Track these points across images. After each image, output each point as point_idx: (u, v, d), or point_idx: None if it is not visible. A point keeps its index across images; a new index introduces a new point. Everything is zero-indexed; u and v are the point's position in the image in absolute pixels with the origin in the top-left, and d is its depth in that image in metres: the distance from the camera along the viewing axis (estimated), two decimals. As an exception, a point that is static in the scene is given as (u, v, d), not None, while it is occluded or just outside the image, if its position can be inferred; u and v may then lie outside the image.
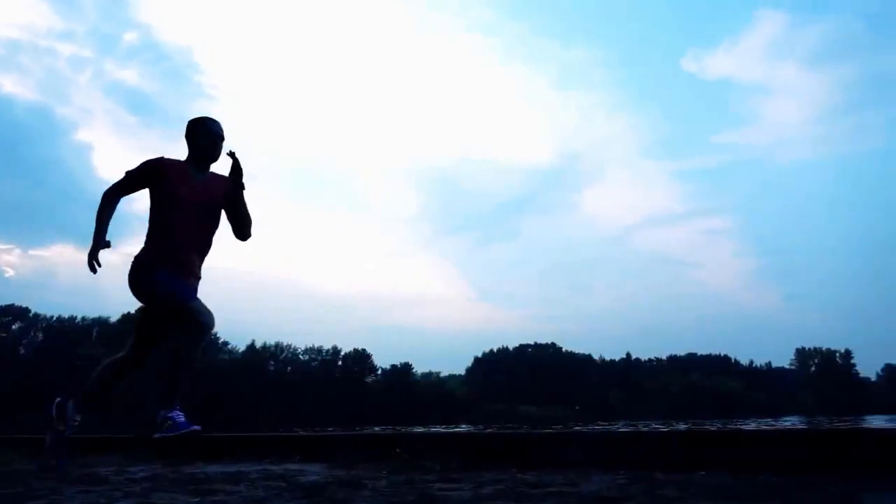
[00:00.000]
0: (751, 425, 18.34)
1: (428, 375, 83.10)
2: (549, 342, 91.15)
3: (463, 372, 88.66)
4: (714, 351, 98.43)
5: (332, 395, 67.92)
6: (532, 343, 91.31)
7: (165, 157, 3.06)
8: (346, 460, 3.10)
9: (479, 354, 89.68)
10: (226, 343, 68.59)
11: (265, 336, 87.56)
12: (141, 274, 2.89)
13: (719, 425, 22.38)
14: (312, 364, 76.72)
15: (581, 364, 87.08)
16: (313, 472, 2.85)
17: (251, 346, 71.81)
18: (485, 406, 72.63)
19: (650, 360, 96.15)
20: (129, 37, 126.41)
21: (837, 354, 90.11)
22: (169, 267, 2.90)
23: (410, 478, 2.53)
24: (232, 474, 2.80)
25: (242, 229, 3.17)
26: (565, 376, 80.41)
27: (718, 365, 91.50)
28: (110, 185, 3.01)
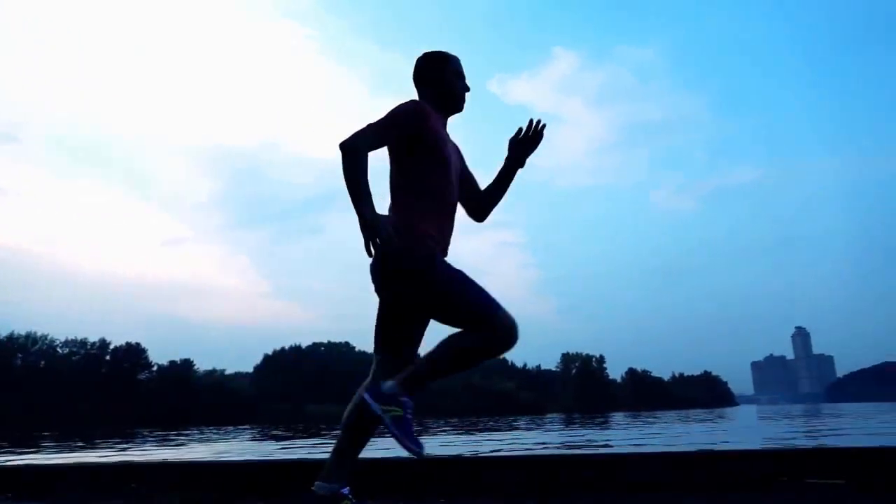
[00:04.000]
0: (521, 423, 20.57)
1: (211, 373, 78.14)
2: (343, 341, 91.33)
3: (251, 370, 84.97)
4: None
5: (97, 394, 60.78)
6: (325, 342, 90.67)
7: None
8: (67, 499, 2.90)
9: (270, 352, 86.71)
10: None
11: (13, 324, 75.45)
12: (421, 256, 2.05)
13: (491, 423, 24.59)
14: (73, 358, 67.80)
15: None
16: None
17: (-7, 336, 61.46)
18: (271, 406, 70.39)
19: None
20: None
21: (594, 359, 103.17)
22: (441, 249, 2.16)
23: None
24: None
25: (488, 210, 2.46)
26: (356, 375, 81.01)
27: (497, 366, 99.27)
28: (351, 137, 2.04)
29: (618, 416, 35.27)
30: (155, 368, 72.67)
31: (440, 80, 2.28)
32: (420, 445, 1.94)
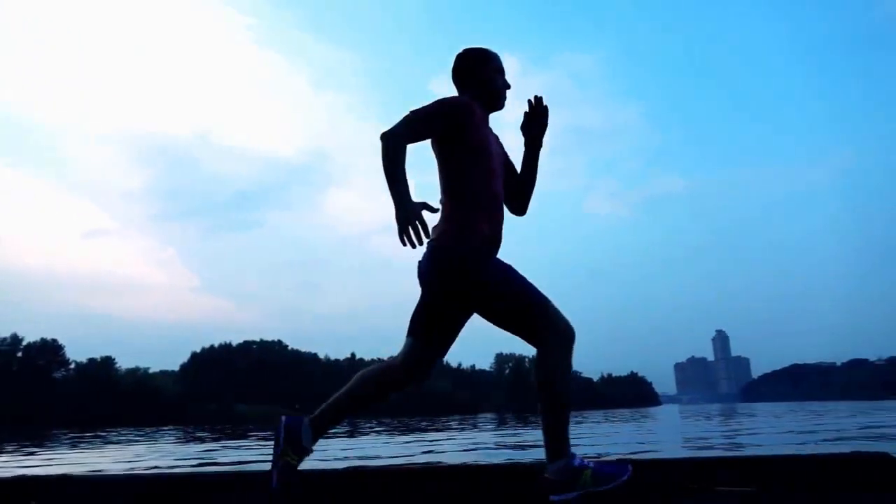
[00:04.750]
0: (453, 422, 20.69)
1: (134, 371, 74.77)
2: (276, 339, 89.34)
3: (177, 368, 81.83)
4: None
5: (8, 393, 57.09)
6: (258, 340, 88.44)
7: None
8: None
9: (198, 350, 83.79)
10: None
11: None
12: (472, 255, 2.02)
13: (424, 423, 24.59)
14: (-20, 355, 63.45)
15: (306, 362, 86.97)
16: None
17: None
18: (198, 405, 68.03)
19: (373, 360, 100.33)
20: None
21: (527, 360, 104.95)
22: (494, 245, 2.11)
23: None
24: None
25: (526, 202, 2.40)
26: (288, 375, 79.48)
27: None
28: (392, 127, 1.99)
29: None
30: (73, 366, 68.96)
31: (482, 77, 2.24)
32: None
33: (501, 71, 2.28)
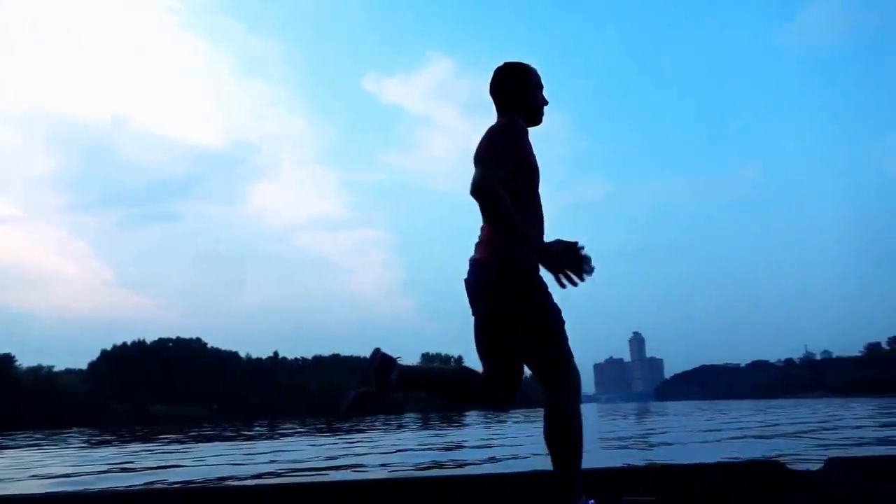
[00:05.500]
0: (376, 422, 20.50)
1: (37, 369, 69.99)
2: (195, 337, 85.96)
3: (84, 367, 77.28)
4: (356, 353, 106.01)
5: None
6: (174, 337, 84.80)
7: None
8: None
9: (109, 347, 79.45)
10: None
11: None
12: (523, 276, 1.97)
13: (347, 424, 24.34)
14: None
15: (225, 361, 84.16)
16: None
17: None
18: (110, 406, 64.51)
19: (296, 359, 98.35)
20: None
21: (453, 359, 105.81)
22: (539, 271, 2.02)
23: None
24: None
25: None
26: (207, 374, 76.69)
27: (359, 365, 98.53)
28: (477, 179, 1.89)
29: (472, 417, 36.43)
30: (-35, 364, 63.74)
31: (524, 94, 2.19)
32: None
33: (541, 86, 2.24)
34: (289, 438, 13.02)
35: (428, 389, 2.16)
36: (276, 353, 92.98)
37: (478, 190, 1.89)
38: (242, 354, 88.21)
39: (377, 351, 2.10)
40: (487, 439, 10.24)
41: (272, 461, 7.20)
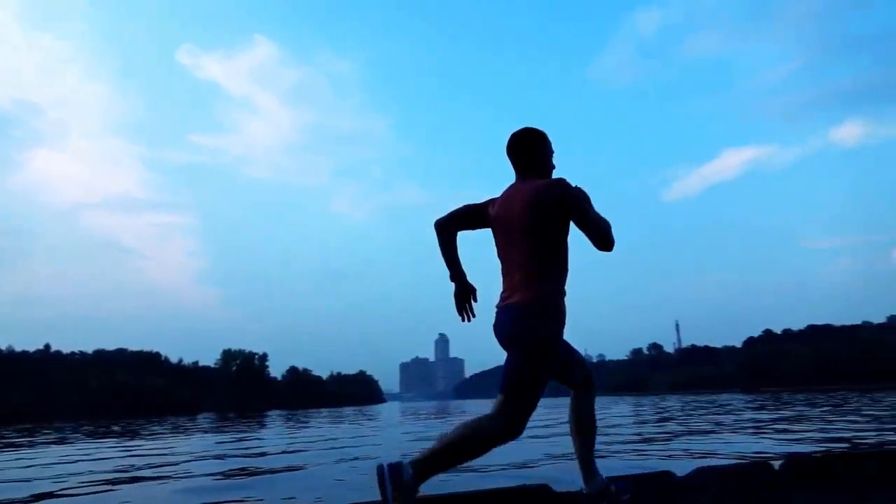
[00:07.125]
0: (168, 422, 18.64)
1: None
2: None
3: None
4: (146, 347, 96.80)
5: None
6: None
7: None
8: None
9: None
10: None
11: None
12: (557, 319, 2.30)
13: (143, 422, 22.04)
14: None
15: (-20, 355, 71.83)
16: None
17: None
18: None
19: (73, 353, 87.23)
20: None
21: (256, 357, 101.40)
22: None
23: None
24: None
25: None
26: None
27: (148, 361, 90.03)
28: (605, 231, 2.27)
29: (273, 416, 35.34)
30: None
31: (546, 160, 2.47)
32: None
33: (552, 151, 2.53)
34: (36, 449, 11.54)
35: (448, 466, 2.17)
36: (47, 346, 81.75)
37: (603, 245, 2.25)
38: (3, 346, 75.87)
39: (380, 467, 2.10)
40: (287, 442, 10.05)
41: None
